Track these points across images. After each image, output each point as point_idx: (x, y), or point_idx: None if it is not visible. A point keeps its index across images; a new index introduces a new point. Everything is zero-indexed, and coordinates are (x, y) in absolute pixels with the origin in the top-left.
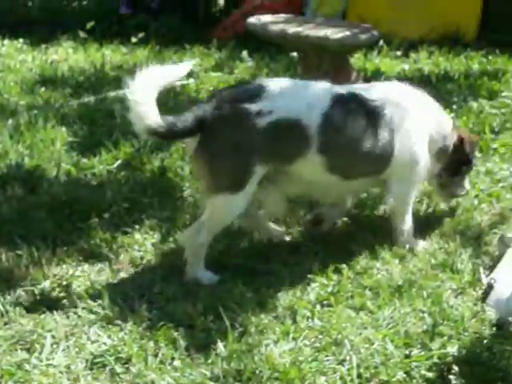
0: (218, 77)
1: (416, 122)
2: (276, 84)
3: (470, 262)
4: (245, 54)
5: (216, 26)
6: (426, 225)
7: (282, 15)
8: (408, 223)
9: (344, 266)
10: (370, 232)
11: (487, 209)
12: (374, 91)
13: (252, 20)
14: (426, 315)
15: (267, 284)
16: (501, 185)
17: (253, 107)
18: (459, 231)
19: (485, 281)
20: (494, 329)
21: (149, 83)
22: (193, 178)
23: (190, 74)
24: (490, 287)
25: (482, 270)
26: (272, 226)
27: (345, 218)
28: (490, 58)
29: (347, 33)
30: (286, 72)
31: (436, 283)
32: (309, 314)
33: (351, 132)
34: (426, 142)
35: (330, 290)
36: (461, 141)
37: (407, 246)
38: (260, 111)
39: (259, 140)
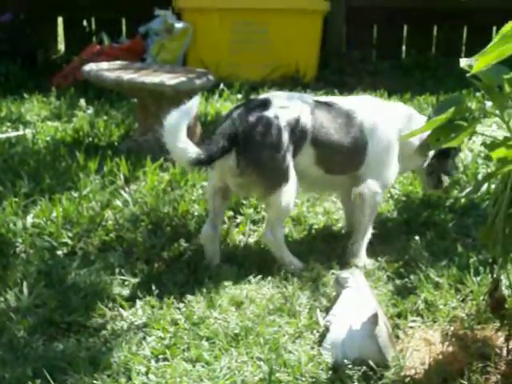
0: (55, 126)
1: (384, 128)
2: (276, 95)
3: (308, 304)
4: (82, 102)
5: (56, 74)
6: (264, 268)
7: (118, 62)
8: (367, 235)
9: (180, 316)
10: (207, 279)
11: (326, 249)
12: (348, 101)
13: (87, 68)
14: (262, 363)
15: (101, 340)
16: (340, 225)
17: (270, 113)
18: (297, 273)
19: (322, 323)
20: (331, 372)
21: (179, 122)
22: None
23: (25, 124)
24: (327, 329)
25: (319, 312)
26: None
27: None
28: None
29: (183, 78)
30: (126, 118)
31: (273, 329)
32: (144, 369)
33: (333, 131)
34: (395, 146)
35: (166, 342)
36: None
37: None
38: (276, 115)
39: (284, 137)
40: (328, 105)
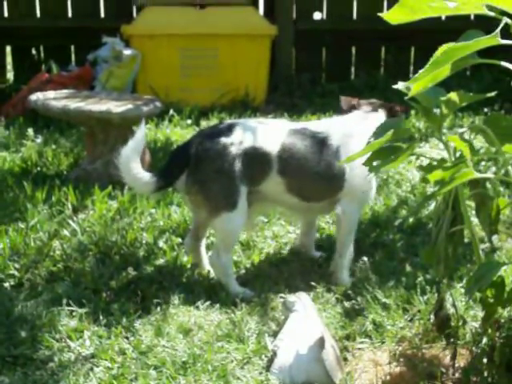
0: (3, 156)
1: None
2: (243, 122)
3: (256, 329)
4: (30, 131)
5: (5, 103)
6: (213, 294)
7: (66, 90)
8: (349, 253)
9: (128, 346)
10: (155, 306)
11: (275, 274)
12: (321, 125)
13: (34, 97)
14: None
15: (49, 373)
16: (288, 248)
17: (227, 139)
18: (245, 298)
19: (270, 348)
20: None
21: (132, 156)
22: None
23: None
24: (274, 354)
25: (267, 336)
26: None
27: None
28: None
29: (130, 106)
30: (75, 147)
31: (222, 355)
32: None
33: (303, 159)
34: None
35: (113, 373)
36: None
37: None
38: (233, 142)
39: (236, 165)
40: (302, 132)
